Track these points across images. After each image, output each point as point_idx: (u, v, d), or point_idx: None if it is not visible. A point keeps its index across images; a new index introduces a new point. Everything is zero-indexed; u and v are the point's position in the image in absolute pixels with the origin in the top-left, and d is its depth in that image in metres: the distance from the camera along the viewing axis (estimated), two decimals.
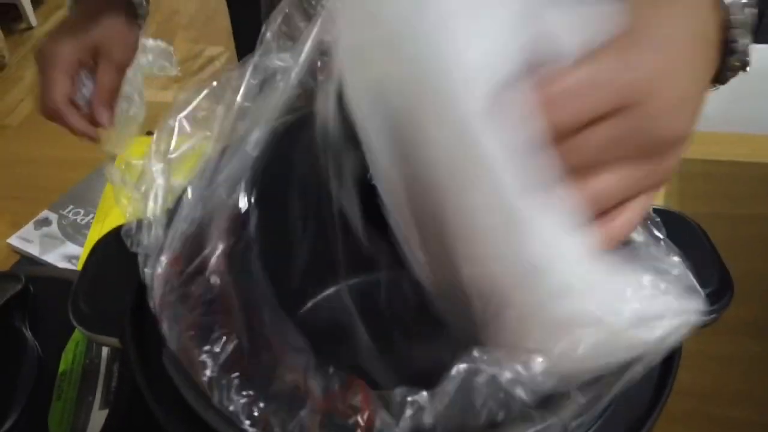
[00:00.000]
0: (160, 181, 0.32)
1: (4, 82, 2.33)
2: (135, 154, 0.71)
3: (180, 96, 0.31)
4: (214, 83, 0.30)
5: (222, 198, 0.26)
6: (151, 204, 0.31)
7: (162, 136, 0.32)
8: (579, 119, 0.21)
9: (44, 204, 0.66)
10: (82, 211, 0.65)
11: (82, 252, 0.60)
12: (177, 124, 0.32)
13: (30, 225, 0.63)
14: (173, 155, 0.32)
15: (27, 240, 0.62)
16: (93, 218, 0.63)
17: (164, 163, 0.32)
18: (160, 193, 0.32)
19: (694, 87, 0.24)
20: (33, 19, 2.64)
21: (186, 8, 2.71)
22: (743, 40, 0.26)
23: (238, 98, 0.32)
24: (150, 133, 0.77)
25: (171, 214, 0.30)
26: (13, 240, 0.62)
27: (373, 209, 0.23)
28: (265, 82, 0.29)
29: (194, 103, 0.30)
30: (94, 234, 0.62)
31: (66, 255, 0.61)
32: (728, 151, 0.69)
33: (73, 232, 0.63)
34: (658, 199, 0.64)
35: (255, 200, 0.24)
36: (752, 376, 0.49)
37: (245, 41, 1.95)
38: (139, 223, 0.31)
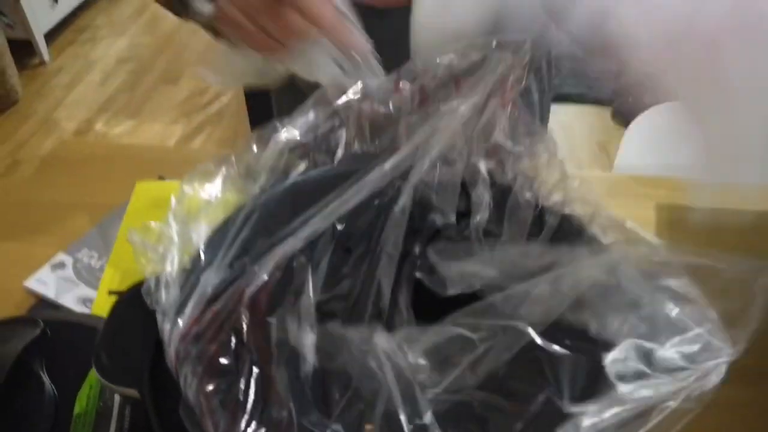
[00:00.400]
0: (177, 242, 0.35)
1: (16, 117, 2.39)
2: (143, 199, 0.75)
3: (199, 167, 0.34)
4: (233, 158, 0.33)
5: (242, 263, 0.29)
6: (168, 265, 0.34)
7: (180, 200, 0.35)
8: None
9: (60, 247, 0.69)
10: (96, 255, 0.67)
11: (96, 295, 0.63)
12: (194, 190, 0.35)
13: (46, 267, 0.66)
14: (190, 218, 0.35)
15: (43, 282, 0.65)
16: (107, 262, 0.66)
17: (181, 226, 0.35)
18: (177, 255, 0.34)
19: None
20: (46, 54, 2.72)
21: (195, 44, 2.79)
22: None
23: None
24: (161, 178, 0.80)
25: (188, 274, 0.33)
26: (30, 282, 0.64)
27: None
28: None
29: (214, 178, 0.33)
30: (108, 277, 0.64)
31: (81, 297, 0.63)
32: (720, 200, 0.71)
33: (88, 275, 0.65)
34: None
35: (274, 266, 0.27)
36: (737, 423, 0.51)
37: None
38: (158, 283, 0.34)
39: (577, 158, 2.16)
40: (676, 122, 1.03)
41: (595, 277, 0.22)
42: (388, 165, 0.28)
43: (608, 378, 0.20)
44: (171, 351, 0.30)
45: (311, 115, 0.34)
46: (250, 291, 0.27)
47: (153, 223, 0.37)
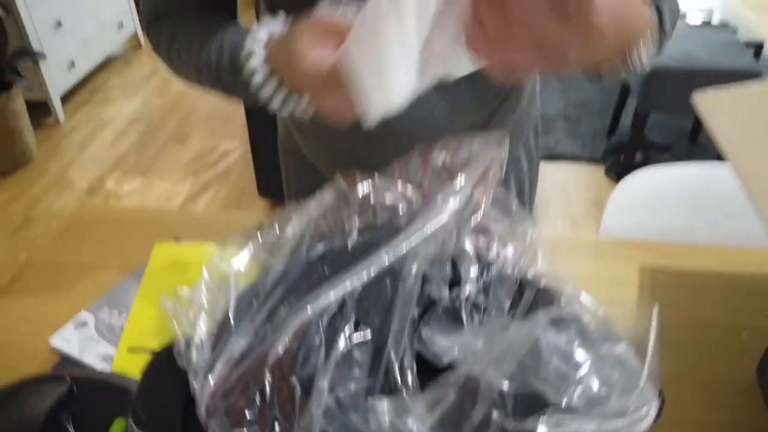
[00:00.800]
0: (207, 309, 0.40)
1: (30, 175, 2.48)
2: (161, 259, 0.80)
3: (229, 243, 0.39)
4: (258, 235, 0.39)
5: (265, 329, 0.34)
6: (198, 329, 0.39)
7: (211, 271, 0.41)
8: None
9: (82, 305, 0.73)
10: (116, 313, 0.72)
11: (116, 352, 0.67)
12: (224, 261, 0.41)
13: (70, 326, 0.71)
14: (218, 286, 0.41)
15: (67, 340, 0.69)
16: (126, 320, 0.71)
17: (210, 294, 0.40)
18: (206, 320, 0.39)
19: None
20: (61, 115, 2.84)
21: (203, 106, 2.91)
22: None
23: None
24: (177, 239, 0.86)
25: (216, 338, 0.38)
26: (55, 340, 0.69)
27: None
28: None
29: (242, 252, 0.38)
30: (128, 335, 0.69)
31: (102, 354, 0.67)
32: (699, 263, 0.76)
33: (109, 333, 0.70)
34: (631, 302, 0.72)
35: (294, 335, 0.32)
36: None
37: (259, 137, 2.13)
38: (188, 344, 0.39)
39: (572, 215, 2.22)
40: (658, 187, 1.09)
41: (538, 337, 0.27)
42: (393, 248, 0.34)
43: (548, 404, 0.25)
44: (202, 406, 0.35)
45: (327, 200, 0.39)
46: (272, 355, 0.32)
47: (184, 290, 0.42)
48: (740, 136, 0.46)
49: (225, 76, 0.55)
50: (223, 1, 0.65)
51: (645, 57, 0.48)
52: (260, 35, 0.51)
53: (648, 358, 0.27)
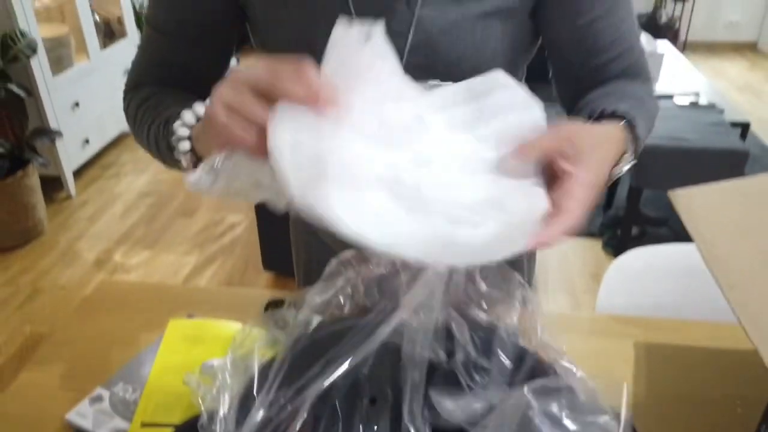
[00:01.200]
0: (230, 385, 0.43)
1: (40, 248, 2.54)
2: (175, 335, 0.83)
3: (252, 325, 0.43)
4: (274, 317, 0.43)
5: (281, 404, 0.37)
6: (222, 404, 0.42)
7: (234, 351, 0.45)
8: None
9: (98, 380, 0.76)
10: (130, 388, 0.75)
11: (129, 427, 0.69)
12: (246, 337, 0.45)
13: (86, 401, 0.73)
14: (240, 364, 0.44)
15: (83, 415, 0.71)
16: (140, 395, 0.73)
17: (234, 371, 0.44)
18: (229, 394, 0.43)
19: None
20: (73, 189, 2.93)
21: None
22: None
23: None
24: (191, 316, 0.89)
25: (237, 411, 0.41)
26: (71, 416, 0.71)
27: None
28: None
29: (260, 332, 0.42)
30: (141, 410, 0.71)
31: (115, 429, 0.69)
32: (694, 338, 0.79)
33: (123, 408, 0.72)
34: (627, 377, 0.74)
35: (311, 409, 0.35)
36: None
37: (264, 211, 2.18)
38: (212, 418, 0.42)
39: (572, 289, 2.25)
40: (653, 264, 1.13)
41: (531, 405, 0.31)
42: (397, 321, 0.38)
43: None
44: None
45: (335, 280, 0.44)
46: (292, 427, 0.35)
47: (205, 367, 0.46)
48: (713, 233, 0.51)
49: (159, 142, 0.62)
50: (197, 79, 0.71)
51: (625, 166, 0.56)
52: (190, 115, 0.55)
53: (621, 428, 0.30)
